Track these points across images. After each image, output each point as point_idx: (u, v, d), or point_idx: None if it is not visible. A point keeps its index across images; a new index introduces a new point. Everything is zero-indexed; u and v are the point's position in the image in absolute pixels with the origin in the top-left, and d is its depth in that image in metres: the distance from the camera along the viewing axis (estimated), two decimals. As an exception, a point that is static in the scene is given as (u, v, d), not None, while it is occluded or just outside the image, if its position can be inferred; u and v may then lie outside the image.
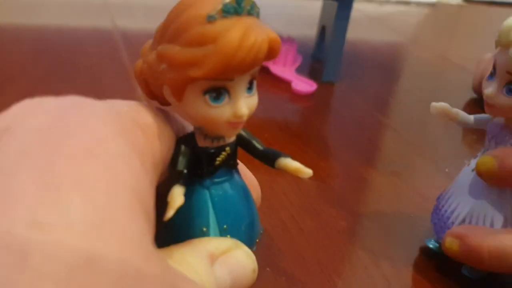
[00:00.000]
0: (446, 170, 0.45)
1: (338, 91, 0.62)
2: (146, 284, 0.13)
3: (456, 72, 0.76)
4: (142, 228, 0.14)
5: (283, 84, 0.61)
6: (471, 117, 0.32)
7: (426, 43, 0.92)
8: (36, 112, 0.16)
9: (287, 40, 0.65)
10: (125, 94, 0.53)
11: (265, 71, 0.62)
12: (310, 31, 0.74)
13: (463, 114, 0.32)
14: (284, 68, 0.63)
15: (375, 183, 0.42)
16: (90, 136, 0.15)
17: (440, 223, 0.32)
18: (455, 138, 0.53)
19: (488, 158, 0.29)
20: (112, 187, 0.14)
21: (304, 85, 0.59)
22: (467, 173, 0.32)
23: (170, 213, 0.19)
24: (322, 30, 0.67)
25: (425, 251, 0.34)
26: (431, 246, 0.33)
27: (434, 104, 0.32)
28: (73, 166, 0.13)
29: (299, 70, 0.64)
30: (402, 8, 1.19)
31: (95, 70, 0.59)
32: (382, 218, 0.37)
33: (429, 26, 1.12)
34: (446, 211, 0.32)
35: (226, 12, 0.18)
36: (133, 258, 0.13)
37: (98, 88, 0.55)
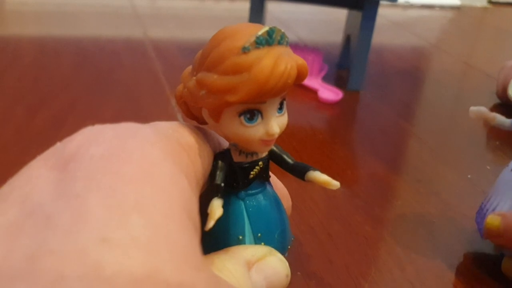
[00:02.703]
0: (469, 176, 0.46)
1: (364, 99, 0.64)
2: None
3: (480, 78, 0.77)
4: (193, 242, 0.16)
5: (310, 93, 0.63)
6: (508, 121, 0.35)
7: (450, 48, 0.93)
8: (98, 140, 0.18)
9: (313, 50, 0.67)
10: (160, 106, 0.56)
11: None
12: (336, 40, 0.75)
13: (500, 117, 0.35)
14: (311, 77, 0.65)
15: (399, 189, 0.44)
16: (146, 160, 0.17)
17: (482, 222, 0.34)
18: (479, 144, 0.54)
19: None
20: (166, 206, 0.16)
21: (330, 93, 0.61)
22: (506, 174, 0.34)
23: (210, 223, 0.21)
24: (347, 39, 0.68)
25: (447, 256, 0.35)
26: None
27: (472, 108, 0.35)
28: (133, 189, 0.16)
29: (326, 79, 0.66)
30: (426, 12, 1.20)
31: (130, 82, 0.62)
32: (406, 224, 0.39)
33: (453, 30, 1.12)
34: (487, 210, 0.34)
35: (259, 43, 0.20)
36: (185, 270, 0.15)
37: (134, 100, 0.57)
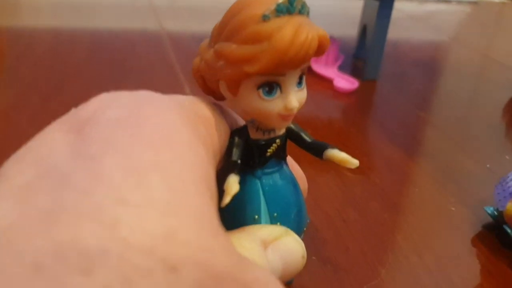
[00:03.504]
0: (488, 166, 0.45)
1: (380, 89, 0.63)
2: (217, 258, 0.14)
3: (498, 71, 0.76)
4: (211, 210, 0.16)
5: (326, 82, 0.62)
6: None
7: (468, 41, 0.92)
8: (113, 105, 0.17)
9: (330, 39, 0.66)
10: (174, 94, 0.55)
11: (307, 70, 0.64)
12: (352, 30, 0.74)
13: None
14: (326, 67, 0.64)
15: (416, 177, 0.43)
16: (164, 125, 0.16)
17: (504, 193, 0.35)
18: (498, 134, 0.53)
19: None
20: (185, 171, 0.15)
21: (346, 82, 0.61)
22: None
23: (227, 199, 0.20)
24: (364, 29, 0.68)
25: (465, 244, 0.35)
26: (489, 212, 0.36)
27: None
28: (151, 152, 0.15)
29: (341, 69, 0.65)
30: (443, 6, 1.18)
31: (145, 71, 0.62)
32: (423, 211, 0.38)
33: (471, 24, 1.11)
34: (510, 186, 0.35)
35: (279, 11, 0.20)
36: (204, 234, 0.14)
37: (148, 88, 0.56)
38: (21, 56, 0.64)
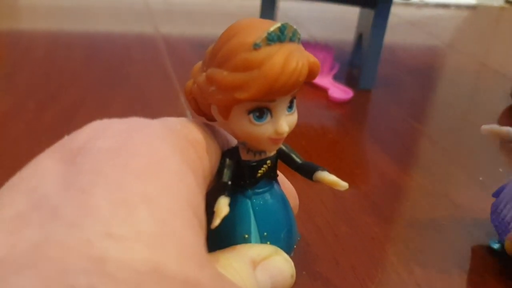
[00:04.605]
0: (480, 178, 0.46)
1: (375, 98, 0.63)
2: None
3: (495, 79, 0.76)
4: (198, 239, 0.16)
5: (320, 92, 0.62)
6: None
7: (465, 48, 0.92)
8: (106, 134, 0.18)
9: (325, 47, 0.67)
10: (169, 101, 0.56)
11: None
12: (348, 39, 0.75)
13: None
14: (321, 76, 0.64)
15: (409, 190, 0.43)
16: (153, 155, 0.17)
17: (501, 226, 0.34)
18: (492, 146, 0.54)
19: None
20: (173, 202, 0.16)
21: (340, 92, 0.61)
22: None
23: (216, 221, 0.21)
24: (359, 38, 0.68)
25: (456, 259, 0.35)
26: (494, 247, 0.36)
27: (484, 126, 0.34)
28: (140, 183, 0.15)
29: (337, 77, 0.65)
30: (441, 11, 1.18)
31: (140, 77, 0.62)
32: (415, 225, 0.38)
33: (468, 30, 1.11)
34: (505, 215, 0.34)
35: (270, 40, 0.20)
36: (190, 266, 0.15)
37: (143, 94, 0.57)
38: (18, 61, 0.64)
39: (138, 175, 0.16)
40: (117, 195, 0.15)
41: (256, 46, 0.20)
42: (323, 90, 0.62)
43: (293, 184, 0.28)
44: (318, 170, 0.24)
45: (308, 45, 0.67)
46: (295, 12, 0.98)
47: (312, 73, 0.21)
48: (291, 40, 0.21)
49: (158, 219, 0.15)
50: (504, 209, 0.34)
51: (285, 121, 0.22)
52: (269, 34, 0.20)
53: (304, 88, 0.63)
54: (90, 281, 0.13)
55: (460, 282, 0.33)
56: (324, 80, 0.64)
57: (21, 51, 0.67)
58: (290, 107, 0.22)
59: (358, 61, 0.69)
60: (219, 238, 0.24)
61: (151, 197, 0.15)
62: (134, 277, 0.13)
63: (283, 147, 0.25)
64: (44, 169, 0.17)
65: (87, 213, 0.14)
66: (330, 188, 0.24)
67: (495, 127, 0.34)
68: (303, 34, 0.83)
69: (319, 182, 0.24)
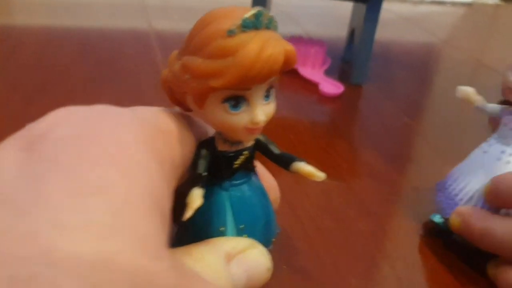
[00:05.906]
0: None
1: (366, 93, 0.63)
2: (160, 280, 0.14)
3: (490, 75, 0.76)
4: (157, 230, 0.16)
5: (311, 86, 0.62)
6: (489, 106, 0.35)
7: (460, 44, 0.92)
8: (68, 121, 0.17)
9: (317, 42, 0.66)
10: (161, 95, 0.55)
11: (293, 73, 0.64)
12: (341, 34, 0.74)
13: (482, 101, 0.35)
14: (313, 70, 0.64)
15: (397, 186, 0.43)
16: (114, 144, 0.16)
17: (447, 200, 0.35)
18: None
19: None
20: (129, 191, 0.15)
21: (331, 87, 0.60)
22: (478, 155, 0.35)
23: (188, 213, 0.20)
24: (352, 33, 0.67)
25: (440, 255, 0.35)
26: (436, 220, 0.36)
27: (460, 87, 0.34)
28: (96, 173, 0.15)
29: (330, 72, 0.65)
30: (436, 8, 1.18)
31: (131, 72, 0.61)
32: (400, 221, 0.38)
33: (464, 27, 1.11)
34: (454, 189, 0.35)
35: (245, 27, 0.19)
36: (144, 258, 0.14)
37: (135, 89, 0.57)
38: (9, 55, 0.63)
39: (96, 164, 0.15)
40: (71, 184, 0.14)
41: (230, 33, 0.19)
42: (314, 85, 0.62)
43: (278, 177, 0.28)
44: (295, 160, 0.24)
45: (301, 40, 0.67)
46: (289, 8, 0.97)
47: (288, 61, 0.21)
48: (267, 27, 0.20)
49: (112, 209, 0.14)
50: (454, 183, 0.35)
51: (262, 111, 0.21)
52: (244, 21, 0.19)
53: (294, 83, 0.63)
54: (32, 272, 0.12)
55: (443, 277, 0.33)
56: (315, 75, 0.63)
57: (12, 45, 0.66)
58: (267, 96, 0.22)
59: (350, 57, 0.68)
60: (195, 231, 0.24)
61: (106, 186, 0.15)
62: (82, 268, 0.13)
63: (261, 138, 0.24)
64: (3, 158, 0.16)
65: (38, 202, 0.14)
66: (315, 182, 0.24)
67: (470, 90, 0.35)
68: (297, 30, 0.83)
69: (296, 172, 0.24)
